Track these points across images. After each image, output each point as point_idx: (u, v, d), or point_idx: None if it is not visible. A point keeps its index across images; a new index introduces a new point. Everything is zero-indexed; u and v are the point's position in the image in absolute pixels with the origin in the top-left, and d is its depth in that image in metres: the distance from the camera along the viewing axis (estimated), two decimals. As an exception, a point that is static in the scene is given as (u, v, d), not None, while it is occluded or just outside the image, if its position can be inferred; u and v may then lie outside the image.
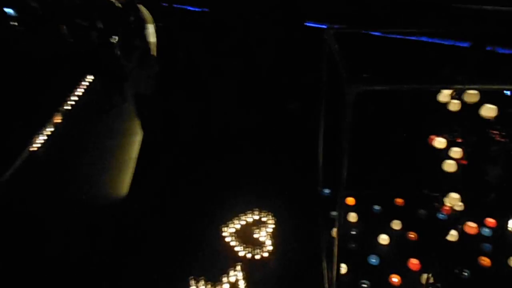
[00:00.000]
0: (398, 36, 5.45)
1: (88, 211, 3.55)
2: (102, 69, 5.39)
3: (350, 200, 3.41)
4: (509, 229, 2.76)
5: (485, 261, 2.76)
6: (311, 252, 2.99)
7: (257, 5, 6.64)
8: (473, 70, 2.33)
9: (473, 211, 2.94)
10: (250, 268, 2.88)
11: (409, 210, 3.30)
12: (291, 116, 4.81)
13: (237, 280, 2.79)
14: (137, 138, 4.59)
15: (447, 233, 2.78)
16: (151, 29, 5.25)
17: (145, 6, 5.31)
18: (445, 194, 3.16)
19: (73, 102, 5.31)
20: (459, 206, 2.89)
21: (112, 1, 5.13)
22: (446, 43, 5.41)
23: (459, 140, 2.47)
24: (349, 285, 2.69)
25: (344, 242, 2.97)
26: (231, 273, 2.82)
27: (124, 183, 3.90)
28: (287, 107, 4.97)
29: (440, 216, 3.19)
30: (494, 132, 2.21)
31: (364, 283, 2.68)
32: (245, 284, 2.77)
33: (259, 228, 3.23)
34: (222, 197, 3.56)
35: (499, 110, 2.07)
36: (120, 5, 5.12)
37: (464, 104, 2.38)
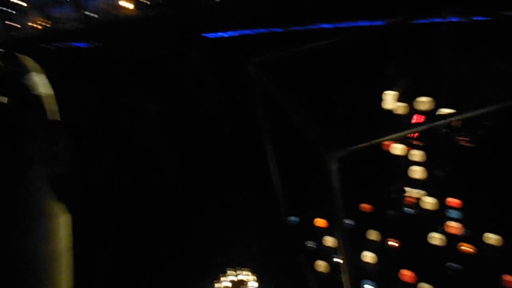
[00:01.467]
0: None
1: None
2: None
3: (322, 222, 3.23)
4: None
5: (467, 246, 2.77)
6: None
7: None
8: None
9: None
10: None
11: (379, 214, 3.22)
12: (229, 144, 4.50)
13: None
14: (64, 222, 3.87)
15: (427, 234, 2.72)
16: (40, 79, 4.47)
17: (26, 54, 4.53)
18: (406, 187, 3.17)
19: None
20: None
21: None
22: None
23: (419, 144, 2.40)
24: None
25: (334, 274, 2.80)
26: None
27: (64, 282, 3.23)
28: (223, 134, 4.65)
29: (409, 211, 3.17)
30: (461, 138, 2.17)
31: (369, 317, 2.51)
32: None
33: (241, 292, 2.88)
34: (187, 268, 3.13)
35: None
36: None
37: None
